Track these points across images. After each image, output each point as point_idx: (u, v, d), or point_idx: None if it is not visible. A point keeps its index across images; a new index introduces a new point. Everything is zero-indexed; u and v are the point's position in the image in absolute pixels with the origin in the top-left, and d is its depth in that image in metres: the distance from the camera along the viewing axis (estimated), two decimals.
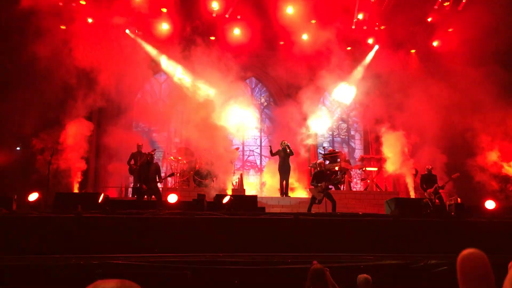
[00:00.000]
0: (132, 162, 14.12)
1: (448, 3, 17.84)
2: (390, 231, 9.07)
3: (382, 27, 19.05)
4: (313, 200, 12.10)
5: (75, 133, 13.48)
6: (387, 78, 17.02)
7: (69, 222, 8.24)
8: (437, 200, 12.54)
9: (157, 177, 11.80)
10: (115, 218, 8.55)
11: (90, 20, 16.61)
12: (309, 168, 17.06)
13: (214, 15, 18.12)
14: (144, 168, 11.91)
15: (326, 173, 12.91)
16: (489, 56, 15.70)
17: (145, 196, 11.69)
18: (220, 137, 14.51)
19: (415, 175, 14.28)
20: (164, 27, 17.96)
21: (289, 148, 15.08)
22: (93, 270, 7.13)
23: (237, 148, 17.46)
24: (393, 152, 14.64)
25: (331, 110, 21.34)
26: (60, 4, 15.76)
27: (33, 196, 9.35)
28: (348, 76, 19.18)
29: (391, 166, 14.62)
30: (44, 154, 13.88)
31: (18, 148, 15.34)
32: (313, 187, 12.20)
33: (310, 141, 18.03)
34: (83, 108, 14.54)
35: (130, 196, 15.80)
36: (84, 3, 16.38)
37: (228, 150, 15.23)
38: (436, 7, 17.95)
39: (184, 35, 17.81)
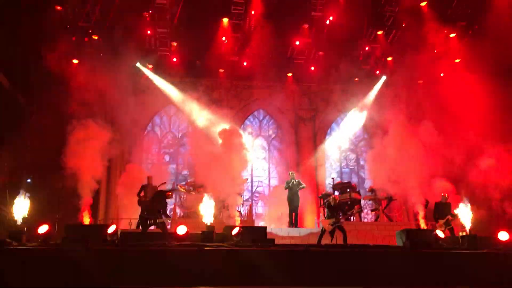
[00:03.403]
0: (142, 194, 14.13)
1: (454, 34, 18.03)
2: (402, 263, 8.91)
3: (389, 58, 19.22)
4: (323, 232, 11.95)
5: (84, 170, 13.56)
6: (394, 107, 17.03)
7: (78, 255, 8.20)
8: (447, 231, 12.32)
9: (161, 211, 11.67)
10: (124, 251, 8.49)
11: (101, 54, 16.95)
12: (319, 198, 16.97)
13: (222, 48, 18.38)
14: (152, 201, 11.88)
15: (339, 204, 12.76)
16: (498, 87, 15.71)
17: (151, 228, 11.66)
18: (229, 168, 14.49)
19: (425, 206, 14.08)
20: (174, 60, 18.26)
21: (300, 183, 15.09)
22: None
23: (246, 179, 17.44)
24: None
25: (339, 140, 21.35)
26: (73, 38, 16.15)
27: (42, 229, 9.33)
28: (356, 106, 19.29)
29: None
30: (55, 187, 13.95)
31: (28, 180, 15.43)
32: (324, 219, 12.06)
33: (318, 171, 17.97)
34: (92, 138, 14.63)
35: (135, 227, 15.73)
36: (96, 38, 16.77)
37: (237, 181, 15.21)
38: (442, 38, 18.14)
39: (193, 67, 18.09)
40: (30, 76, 14.88)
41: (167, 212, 12.00)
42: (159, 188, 12.78)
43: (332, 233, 11.79)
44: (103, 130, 14.31)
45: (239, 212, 15.30)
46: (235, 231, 9.56)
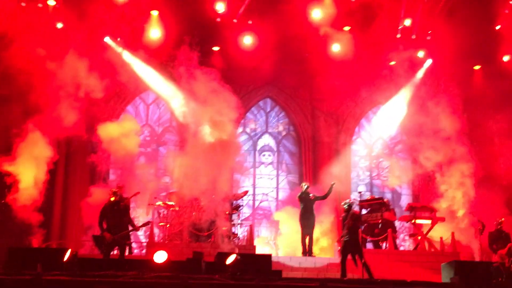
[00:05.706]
0: None
1: None
2: None
3: (429, 38, 19.12)
4: (344, 261, 11.94)
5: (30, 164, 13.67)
6: (442, 101, 17.02)
7: (26, 285, 8.27)
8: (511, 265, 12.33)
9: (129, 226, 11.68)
10: (85, 282, 8.56)
11: (59, 25, 16.98)
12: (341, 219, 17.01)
13: (218, 19, 18.35)
14: (109, 212, 11.70)
15: (360, 220, 12.71)
16: None
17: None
18: (224, 177, 14.55)
19: (481, 231, 14.10)
20: (154, 34, 18.25)
21: (315, 196, 15.14)
22: None
23: (246, 192, 17.49)
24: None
25: (370, 143, 21.37)
26: (23, 4, 16.15)
27: None
28: (392, 98, 19.27)
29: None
30: None
31: None
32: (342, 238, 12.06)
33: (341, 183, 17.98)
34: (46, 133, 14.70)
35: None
36: (54, 3, 16.76)
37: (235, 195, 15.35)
38: (506, 10, 18.10)
39: (179, 44, 18.10)
40: None
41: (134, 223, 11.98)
42: (130, 201, 12.73)
43: (354, 259, 11.76)
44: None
45: (235, 234, 15.38)
46: (230, 259, 9.63)
